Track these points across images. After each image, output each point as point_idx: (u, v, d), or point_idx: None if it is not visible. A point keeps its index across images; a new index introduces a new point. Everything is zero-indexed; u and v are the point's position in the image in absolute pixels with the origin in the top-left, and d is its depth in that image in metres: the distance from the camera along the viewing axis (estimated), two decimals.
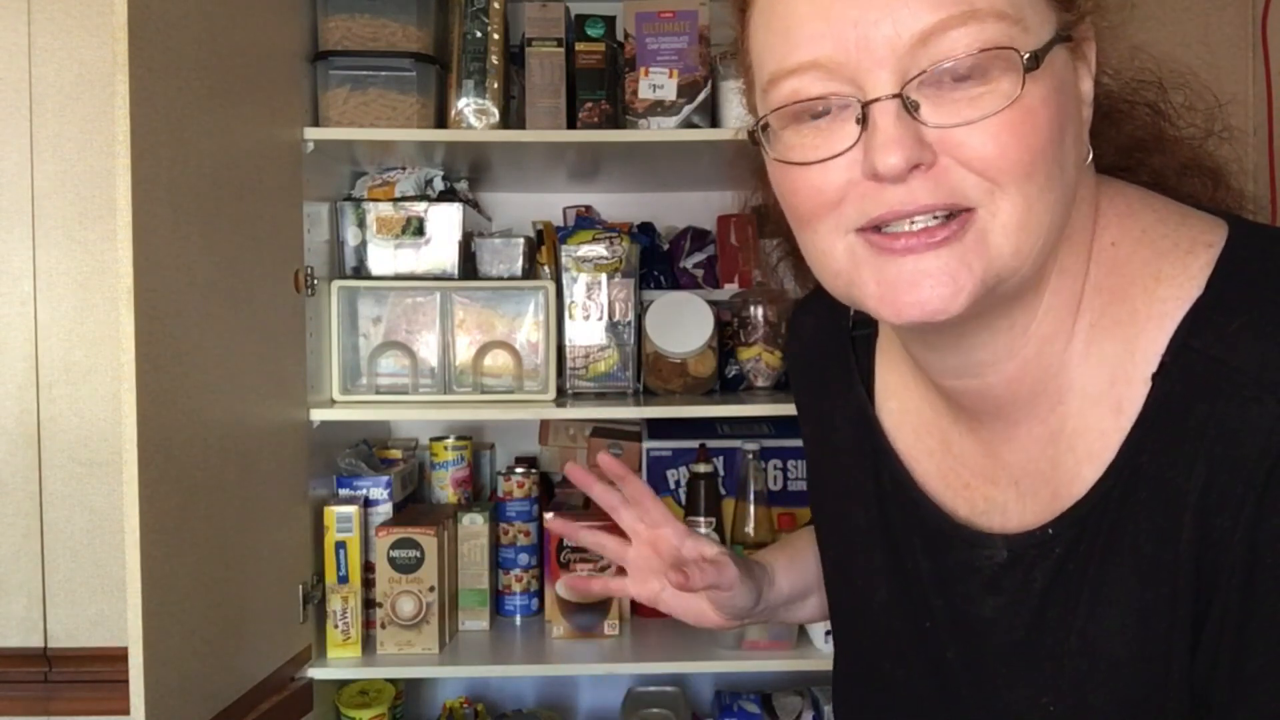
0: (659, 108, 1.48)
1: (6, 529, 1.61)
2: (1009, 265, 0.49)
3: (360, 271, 1.54)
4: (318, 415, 1.44)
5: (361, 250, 1.54)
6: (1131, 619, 0.50)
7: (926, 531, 0.61)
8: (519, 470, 1.62)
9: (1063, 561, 0.53)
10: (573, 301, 1.55)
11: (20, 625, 1.60)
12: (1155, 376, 0.50)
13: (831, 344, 0.71)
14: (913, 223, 0.48)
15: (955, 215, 0.48)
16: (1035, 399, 0.55)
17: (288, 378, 1.38)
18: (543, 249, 1.68)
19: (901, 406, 0.65)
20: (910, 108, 0.47)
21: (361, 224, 1.54)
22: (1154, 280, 0.52)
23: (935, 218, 0.48)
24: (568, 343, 1.55)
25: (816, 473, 0.75)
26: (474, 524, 1.56)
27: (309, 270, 1.42)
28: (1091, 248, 0.54)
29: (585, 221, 1.71)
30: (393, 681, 1.57)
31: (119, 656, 1.04)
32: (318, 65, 1.45)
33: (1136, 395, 0.51)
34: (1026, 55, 0.47)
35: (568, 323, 1.55)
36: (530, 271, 1.61)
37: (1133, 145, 0.60)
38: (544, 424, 1.78)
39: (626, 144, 1.45)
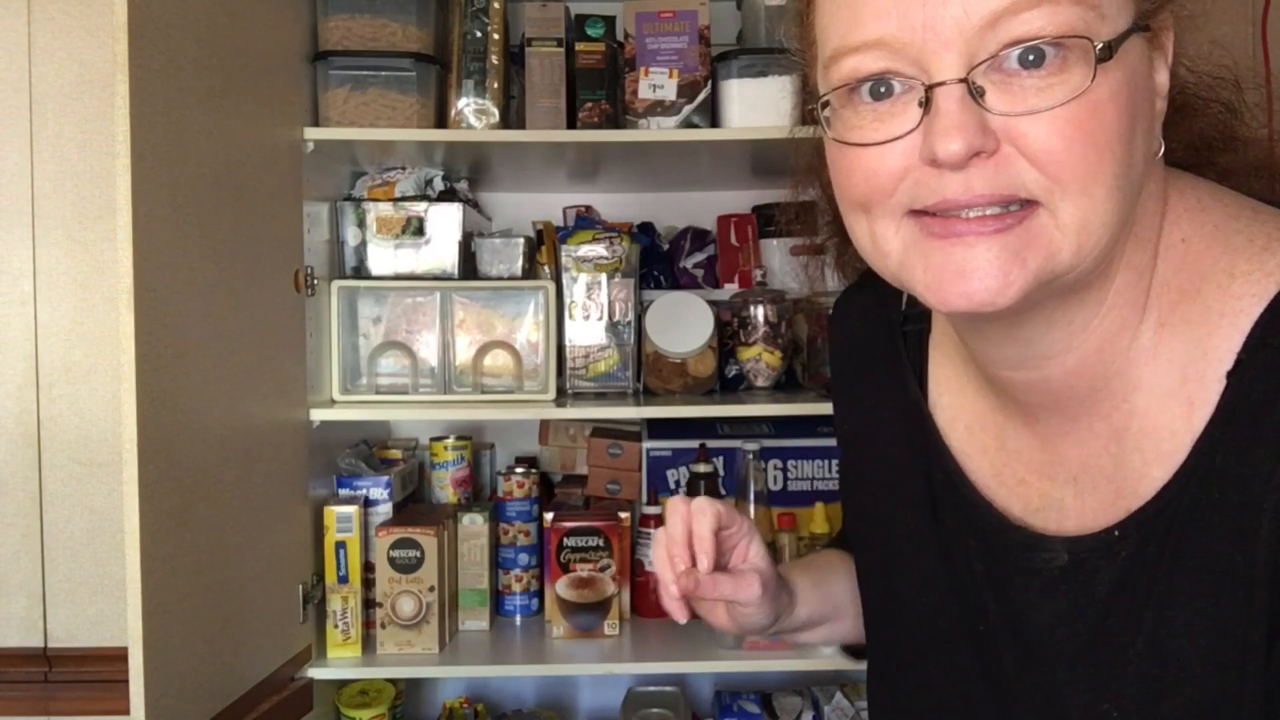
0: (659, 108, 1.48)
1: (6, 529, 1.61)
2: (1066, 263, 0.47)
3: (360, 271, 1.54)
4: (318, 415, 1.43)
5: (361, 250, 1.54)
6: (1203, 623, 0.49)
7: (981, 533, 0.59)
8: (519, 470, 1.62)
9: (1129, 565, 0.51)
10: (573, 301, 1.55)
11: (20, 625, 1.60)
12: (1230, 375, 0.48)
13: (880, 337, 0.68)
14: (969, 211, 0.47)
15: (1016, 207, 0.47)
16: (1096, 394, 0.53)
17: (288, 378, 1.38)
18: (543, 249, 1.68)
19: (954, 402, 0.63)
20: (975, 93, 0.46)
21: (361, 224, 1.54)
22: (1228, 277, 0.50)
23: (995, 209, 0.47)
24: (568, 343, 1.55)
25: (857, 473, 0.72)
26: (474, 524, 1.56)
27: (309, 270, 1.42)
28: (1159, 244, 0.52)
29: (585, 221, 1.71)
30: (393, 681, 1.57)
31: (119, 656, 1.04)
32: (318, 65, 1.45)
33: (1210, 394, 0.49)
34: (1100, 45, 0.45)
35: (568, 323, 1.55)
36: (530, 271, 1.61)
37: (1203, 141, 0.58)
38: (544, 424, 1.78)
39: (626, 144, 1.45)
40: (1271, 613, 0.47)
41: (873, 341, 0.69)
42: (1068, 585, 0.54)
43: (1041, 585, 0.56)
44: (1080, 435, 0.55)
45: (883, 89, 0.48)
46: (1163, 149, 0.52)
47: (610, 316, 1.55)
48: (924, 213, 0.48)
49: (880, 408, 0.68)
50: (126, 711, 1.01)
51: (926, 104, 0.46)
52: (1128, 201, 0.48)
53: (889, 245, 0.50)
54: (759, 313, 1.58)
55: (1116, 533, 0.52)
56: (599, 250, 1.55)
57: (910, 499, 0.64)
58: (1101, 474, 0.54)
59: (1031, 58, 0.45)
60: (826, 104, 0.51)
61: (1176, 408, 0.50)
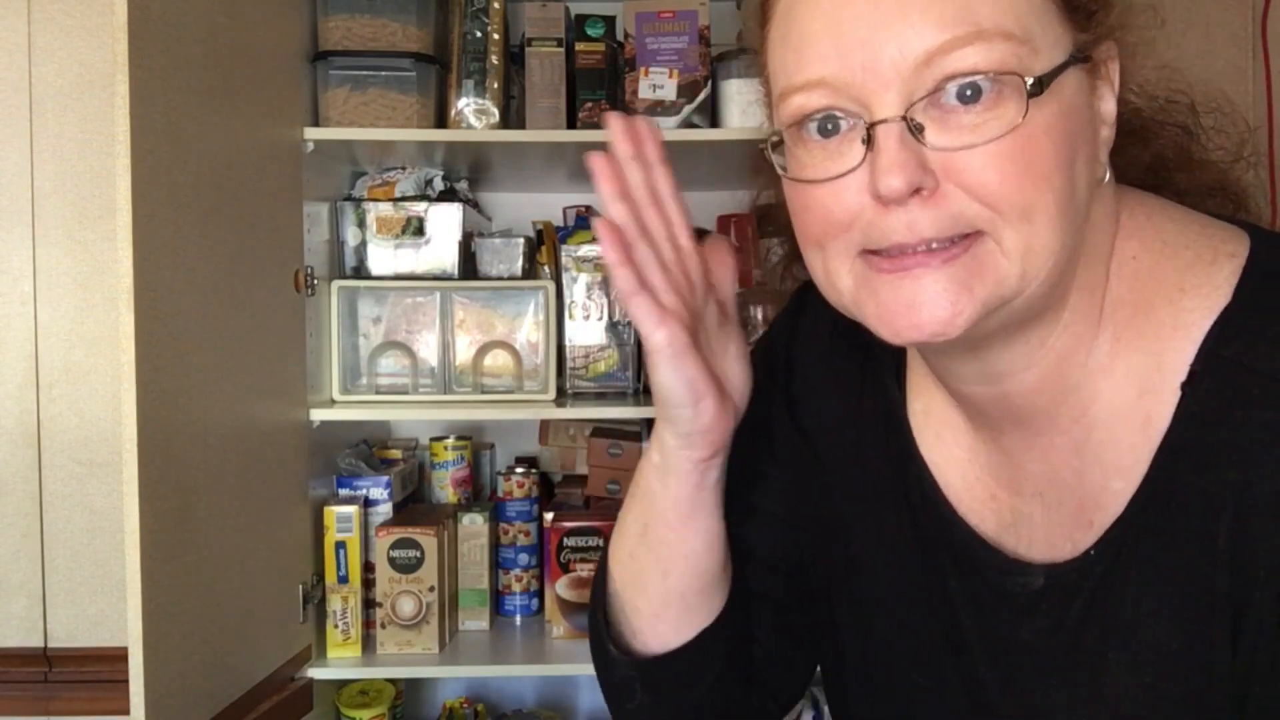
0: (659, 108, 1.48)
1: (6, 529, 1.61)
2: (1013, 288, 0.48)
3: (360, 271, 1.54)
4: (318, 415, 1.43)
5: (361, 250, 1.54)
6: (1174, 631, 0.50)
7: (955, 550, 0.60)
8: (519, 470, 1.62)
9: (1102, 581, 0.53)
10: (573, 301, 1.55)
11: (20, 625, 1.60)
12: (1185, 386, 0.50)
13: (857, 333, 0.67)
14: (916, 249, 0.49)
15: (960, 239, 0.48)
16: (1056, 409, 0.54)
17: (288, 378, 1.38)
18: (543, 249, 1.68)
19: (926, 408, 0.63)
20: (914, 130, 0.47)
21: (361, 224, 1.54)
22: (1178, 291, 0.51)
23: (939, 242, 0.48)
24: (568, 343, 1.55)
25: (824, 468, 0.68)
26: (474, 524, 1.56)
27: (309, 270, 1.42)
28: (1111, 262, 0.54)
29: (585, 221, 1.71)
30: (393, 681, 1.57)
31: (119, 656, 1.04)
32: (318, 65, 1.45)
33: (1166, 406, 0.50)
34: (1030, 81, 0.46)
35: (568, 323, 1.55)
36: (530, 271, 1.61)
37: (1160, 163, 0.59)
38: (544, 424, 1.78)
39: None
40: (1233, 613, 0.48)
41: (849, 336, 0.66)
42: (1045, 605, 0.55)
43: (1018, 606, 0.56)
44: (1043, 450, 0.56)
45: (829, 125, 0.50)
46: (1108, 175, 0.53)
47: (610, 316, 1.55)
48: (874, 252, 0.50)
49: (858, 407, 0.66)
50: (126, 711, 1.01)
51: (869, 141, 0.48)
52: (1072, 227, 0.49)
53: (841, 282, 0.52)
54: (759, 313, 1.58)
55: (1092, 553, 0.53)
56: (599, 250, 1.54)
57: (892, 504, 0.63)
58: (1065, 488, 0.55)
59: (969, 93, 0.47)
60: (779, 142, 0.53)
61: (1134, 420, 0.52)
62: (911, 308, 0.48)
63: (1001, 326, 0.51)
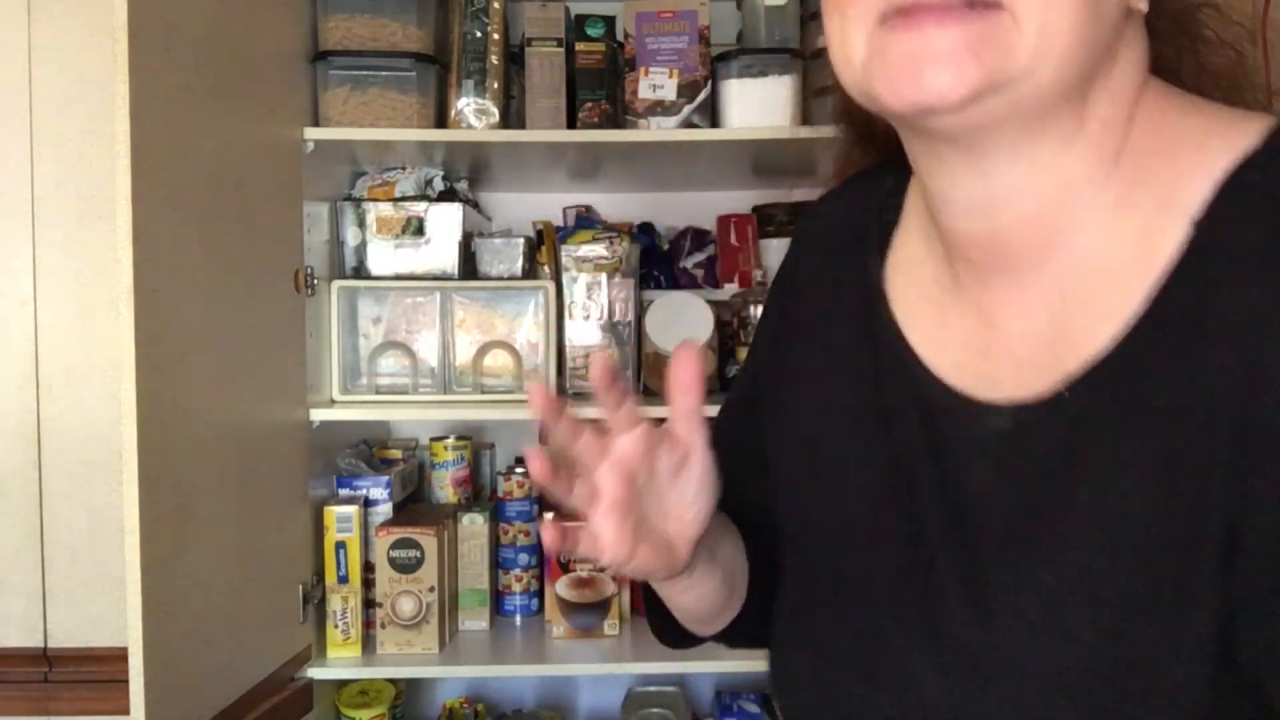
0: (659, 108, 1.48)
1: (6, 529, 1.61)
2: (1023, 66, 0.46)
3: (360, 271, 1.54)
4: (317, 415, 1.43)
5: (361, 250, 1.54)
6: (1152, 475, 0.46)
7: (921, 403, 0.57)
8: (519, 470, 1.62)
9: (1075, 426, 0.49)
10: (573, 301, 1.55)
11: (20, 625, 1.60)
12: (1199, 222, 0.47)
13: (855, 225, 0.66)
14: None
15: (979, 5, 0.46)
16: (1049, 250, 0.51)
17: (287, 378, 1.38)
18: (543, 249, 1.68)
19: (905, 281, 0.61)
20: None
21: (361, 224, 1.54)
22: (1204, 135, 0.49)
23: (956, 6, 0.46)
24: (568, 343, 1.55)
25: (800, 370, 0.68)
26: (474, 524, 1.56)
27: (309, 270, 1.42)
28: (1136, 109, 0.51)
29: (585, 221, 1.71)
30: (393, 681, 1.57)
31: (119, 656, 1.04)
32: (318, 65, 1.45)
33: (1172, 242, 0.47)
34: None
35: (568, 323, 1.55)
36: (530, 271, 1.61)
37: (1209, 75, 0.56)
38: (544, 424, 1.78)
39: (626, 144, 1.45)
40: (1230, 473, 0.44)
41: (849, 228, 0.67)
42: (1010, 451, 0.52)
43: (980, 452, 0.53)
44: (1026, 303, 0.53)
45: None
46: (1146, 8, 0.51)
47: (610, 316, 1.55)
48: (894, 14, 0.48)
49: (841, 298, 0.66)
50: (126, 711, 1.02)
51: None
52: (1092, 26, 0.47)
53: (856, 51, 0.50)
54: (759, 313, 1.58)
55: (1066, 394, 0.50)
56: (599, 250, 1.55)
57: (853, 381, 0.62)
58: (1042, 343, 0.52)
59: None
60: None
61: (1134, 260, 0.49)
62: (917, 66, 0.46)
63: (1007, 121, 0.48)
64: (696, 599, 0.68)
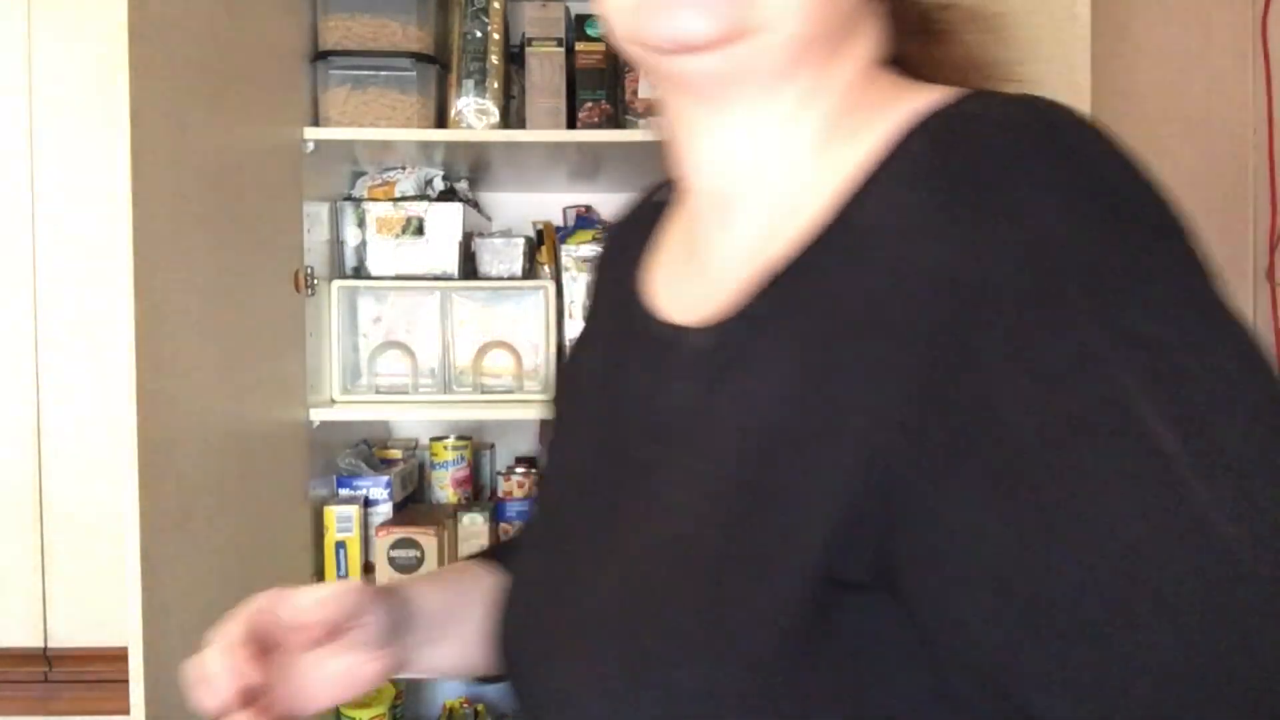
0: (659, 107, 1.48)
1: (6, 529, 1.61)
2: (767, 16, 0.49)
3: (360, 271, 1.54)
4: (317, 415, 1.43)
5: (361, 250, 1.54)
6: (801, 376, 0.46)
7: (641, 340, 0.60)
8: (519, 470, 1.62)
9: (741, 338, 0.51)
10: (573, 301, 1.55)
11: (20, 625, 1.60)
12: (880, 156, 0.48)
13: (638, 236, 0.70)
14: None
15: None
16: (761, 197, 0.54)
17: (287, 378, 1.38)
18: (543, 249, 1.68)
19: (665, 258, 0.65)
20: None
21: (361, 224, 1.54)
22: (899, 101, 0.51)
23: None
24: (568, 343, 1.55)
25: (576, 376, 0.71)
26: (474, 524, 1.56)
27: (309, 270, 1.42)
28: (865, 89, 0.55)
29: (585, 221, 1.71)
30: (393, 681, 1.57)
31: (119, 656, 1.04)
32: (318, 65, 1.45)
33: (859, 174, 0.49)
34: None
35: (568, 322, 1.55)
36: (530, 271, 1.61)
37: (960, 69, 0.60)
38: (544, 424, 1.78)
39: (626, 144, 1.45)
40: (873, 415, 0.42)
41: (632, 244, 0.70)
42: (699, 373, 0.53)
43: (682, 376, 0.54)
44: (732, 241, 0.55)
45: None
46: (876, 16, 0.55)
47: None
48: None
49: (612, 297, 0.69)
50: (126, 711, 1.01)
51: None
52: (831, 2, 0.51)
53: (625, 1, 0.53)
54: None
55: (754, 302, 0.51)
56: (599, 250, 1.55)
57: (604, 344, 0.65)
58: (745, 273, 0.53)
59: None
60: None
61: (823, 193, 0.51)
62: (675, 7, 0.49)
63: (752, 74, 0.52)
64: (449, 670, 0.69)
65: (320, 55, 1.44)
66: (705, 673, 0.44)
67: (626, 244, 0.70)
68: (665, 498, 0.51)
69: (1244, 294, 1.71)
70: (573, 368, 0.72)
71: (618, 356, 0.62)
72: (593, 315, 0.72)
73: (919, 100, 0.49)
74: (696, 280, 0.58)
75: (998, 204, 0.41)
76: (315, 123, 1.44)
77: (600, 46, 1.51)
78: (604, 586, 0.51)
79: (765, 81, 0.53)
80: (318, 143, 1.42)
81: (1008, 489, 0.38)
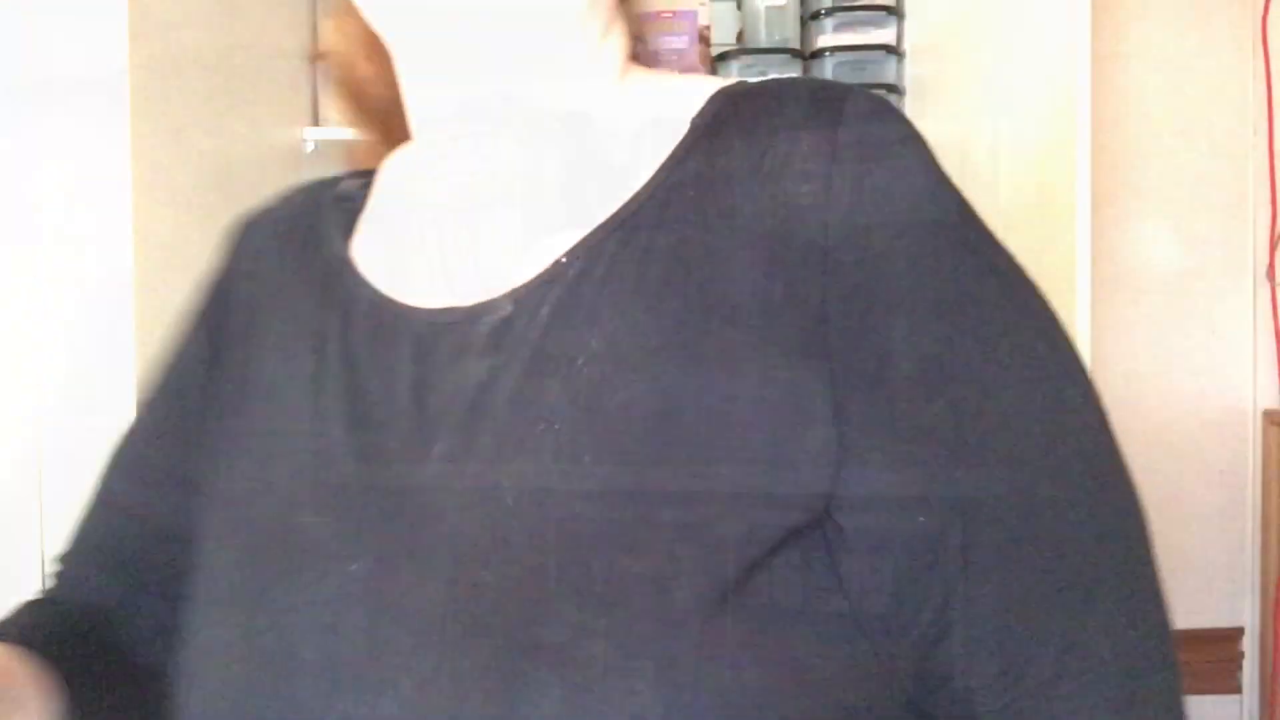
0: None
1: (6, 529, 1.61)
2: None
3: None
4: None
5: None
6: (676, 304, 0.44)
7: (410, 338, 0.51)
8: None
9: (579, 282, 0.46)
10: None
11: None
12: (696, 119, 0.49)
13: (302, 231, 0.67)
14: None
15: None
16: (559, 122, 0.52)
17: None
18: None
19: (384, 246, 0.58)
20: None
21: None
22: (695, 79, 0.54)
23: None
24: None
25: (243, 385, 0.64)
26: None
27: None
28: (627, 74, 0.55)
29: None
30: None
31: None
32: (318, 65, 1.45)
33: (675, 134, 0.49)
34: None
35: None
36: None
37: None
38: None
39: None
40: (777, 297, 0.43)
41: (295, 227, 0.67)
42: (508, 335, 0.47)
43: (476, 352, 0.48)
44: (529, 227, 0.51)
45: None
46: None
47: None
48: None
49: (294, 292, 0.63)
50: None
51: None
52: None
53: None
54: None
55: (564, 259, 0.47)
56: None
57: (313, 350, 0.57)
58: (533, 237, 0.50)
59: None
60: None
61: (634, 155, 0.49)
62: None
63: (501, 25, 0.50)
64: None
65: (320, 55, 1.44)
66: (659, 599, 0.40)
67: (292, 249, 0.66)
68: (542, 451, 0.44)
69: (1244, 294, 1.71)
70: (218, 383, 0.65)
71: (345, 360, 0.54)
72: (246, 322, 0.66)
73: (705, 83, 0.52)
74: (467, 262, 0.51)
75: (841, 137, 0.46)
76: (315, 123, 1.44)
77: None
78: (463, 581, 0.43)
79: (524, 24, 0.52)
80: (318, 143, 1.42)
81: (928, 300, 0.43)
